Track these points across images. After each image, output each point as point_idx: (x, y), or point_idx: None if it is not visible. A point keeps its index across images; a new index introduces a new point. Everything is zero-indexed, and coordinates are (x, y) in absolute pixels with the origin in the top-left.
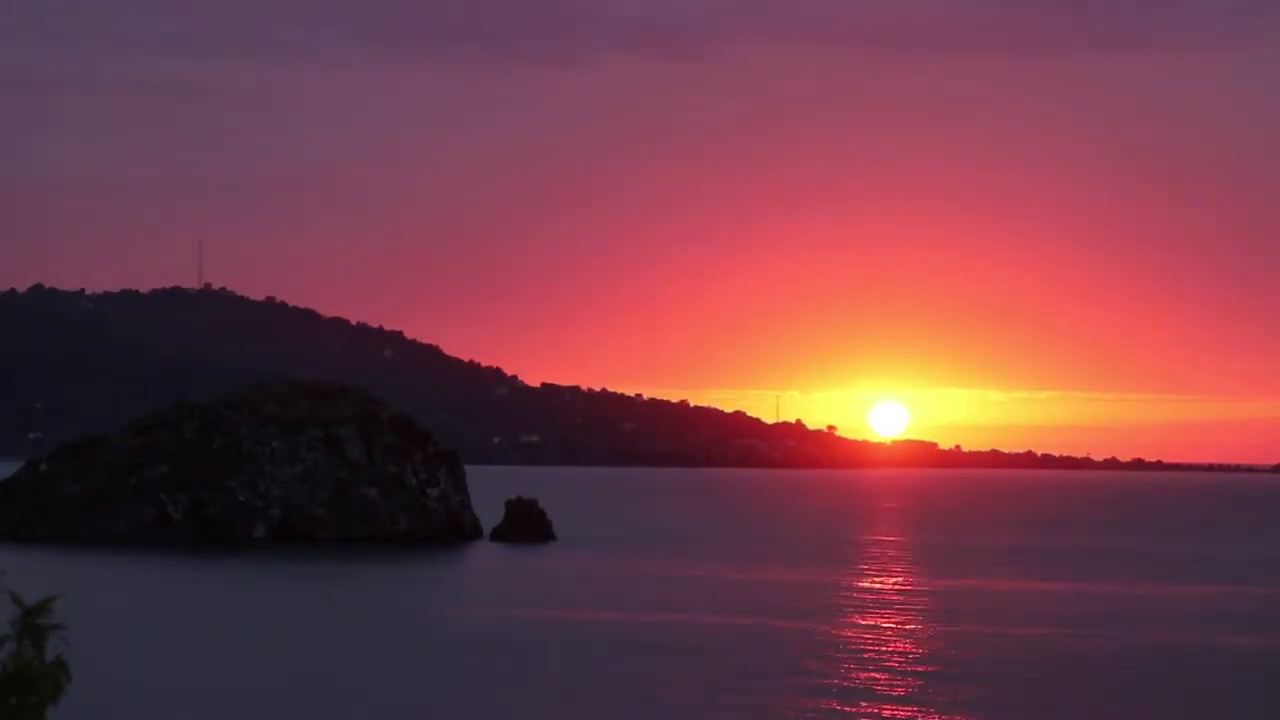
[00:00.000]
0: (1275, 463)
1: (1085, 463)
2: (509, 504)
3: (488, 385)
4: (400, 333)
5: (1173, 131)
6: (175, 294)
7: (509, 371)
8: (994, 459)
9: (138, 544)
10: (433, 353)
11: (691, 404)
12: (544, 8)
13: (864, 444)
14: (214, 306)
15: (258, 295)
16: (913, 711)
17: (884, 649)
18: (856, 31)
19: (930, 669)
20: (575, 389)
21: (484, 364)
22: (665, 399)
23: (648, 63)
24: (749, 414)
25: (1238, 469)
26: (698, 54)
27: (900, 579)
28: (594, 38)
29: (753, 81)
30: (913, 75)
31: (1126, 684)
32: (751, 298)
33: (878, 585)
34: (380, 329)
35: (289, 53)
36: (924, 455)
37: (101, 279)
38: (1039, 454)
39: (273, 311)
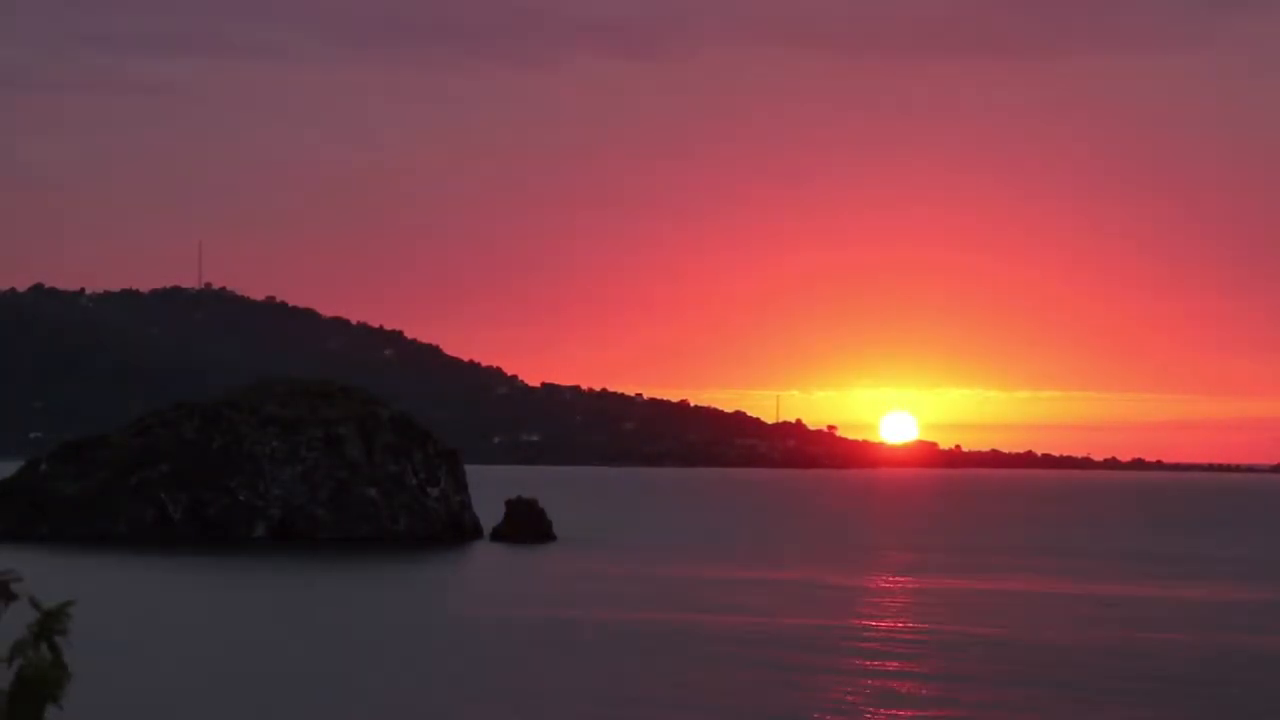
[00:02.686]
0: (1275, 463)
1: (1085, 463)
2: (509, 504)
3: (488, 385)
4: (400, 333)
5: (1172, 131)
6: (175, 294)
7: (509, 371)
8: (994, 459)
9: (138, 544)
10: (433, 353)
11: (691, 404)
12: (513, 8)
13: (864, 444)
14: (214, 306)
15: (258, 295)
16: (910, 712)
17: (886, 649)
18: (839, 33)
19: (925, 667)
20: (575, 389)
21: (484, 364)
22: (665, 399)
23: (629, 63)
24: (749, 414)
25: (1238, 469)
26: (687, 55)
27: (896, 579)
28: (567, 38)
29: (740, 82)
30: (901, 76)
31: (1130, 683)
32: (752, 297)
33: (880, 585)
34: (380, 329)
35: (266, 54)
36: (924, 455)
37: (101, 279)
38: (1039, 454)
39: (273, 311)
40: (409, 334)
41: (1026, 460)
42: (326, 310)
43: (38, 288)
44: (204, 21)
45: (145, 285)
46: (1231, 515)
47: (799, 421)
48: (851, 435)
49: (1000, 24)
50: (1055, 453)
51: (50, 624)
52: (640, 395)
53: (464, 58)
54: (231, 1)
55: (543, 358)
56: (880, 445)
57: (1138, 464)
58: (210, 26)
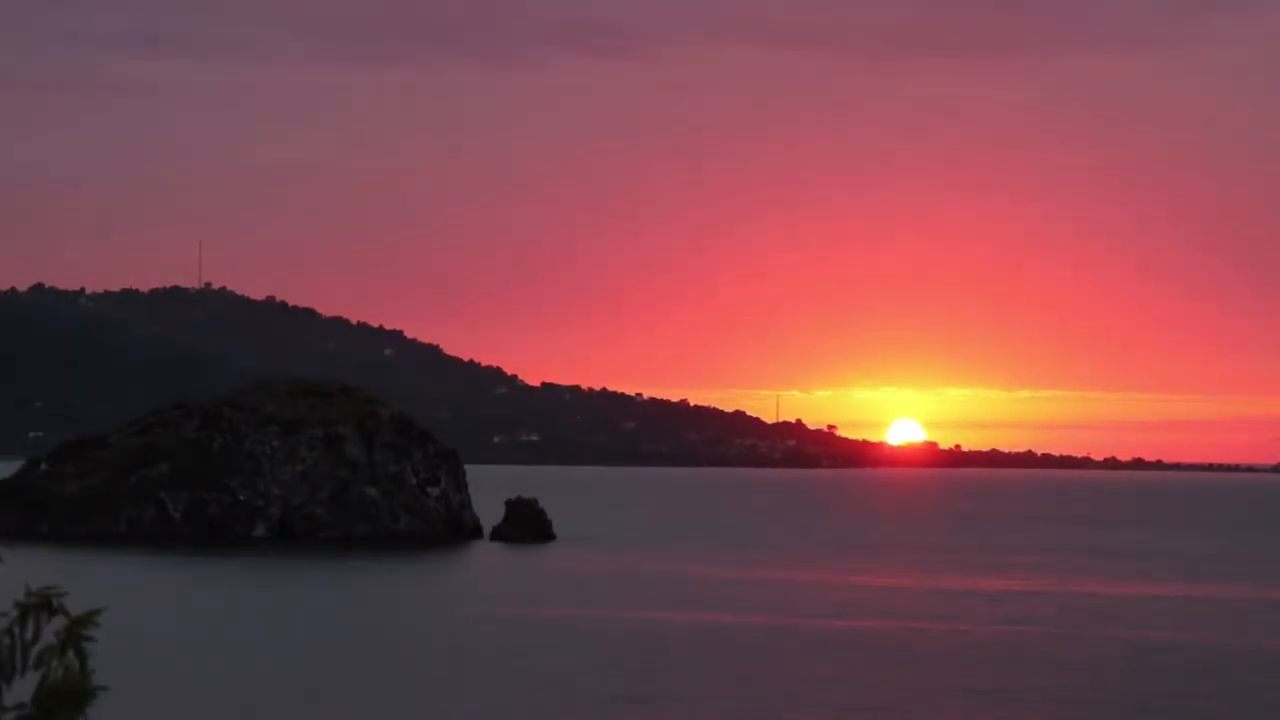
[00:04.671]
0: (1275, 463)
1: (1085, 462)
2: (509, 504)
3: (488, 385)
4: (400, 333)
5: (1172, 131)
6: (175, 294)
7: (509, 371)
8: (994, 458)
9: (138, 544)
10: (433, 353)
11: (691, 404)
12: (492, 7)
13: (864, 444)
14: (214, 306)
15: (258, 295)
16: (904, 712)
17: (884, 649)
18: (816, 33)
19: (916, 667)
20: (575, 389)
21: (484, 364)
22: (665, 399)
23: (616, 63)
24: (749, 414)
25: (1238, 469)
26: (669, 55)
27: (886, 578)
28: (548, 38)
29: (727, 81)
30: (893, 76)
31: (1132, 682)
32: (751, 298)
33: (878, 584)
34: (380, 329)
35: (246, 53)
36: (924, 455)
37: (101, 279)
38: (1039, 453)
39: (273, 311)
40: (409, 334)
41: (1026, 460)
42: (326, 310)
43: (38, 288)
44: (178, 21)
45: (145, 285)
46: (1232, 515)
47: (799, 421)
48: (852, 435)
49: (992, 26)
50: (1055, 453)
51: (77, 631)
52: (640, 395)
53: (446, 57)
54: (208, 1)
55: (543, 358)
56: (880, 445)
57: (1138, 464)
58: (185, 26)
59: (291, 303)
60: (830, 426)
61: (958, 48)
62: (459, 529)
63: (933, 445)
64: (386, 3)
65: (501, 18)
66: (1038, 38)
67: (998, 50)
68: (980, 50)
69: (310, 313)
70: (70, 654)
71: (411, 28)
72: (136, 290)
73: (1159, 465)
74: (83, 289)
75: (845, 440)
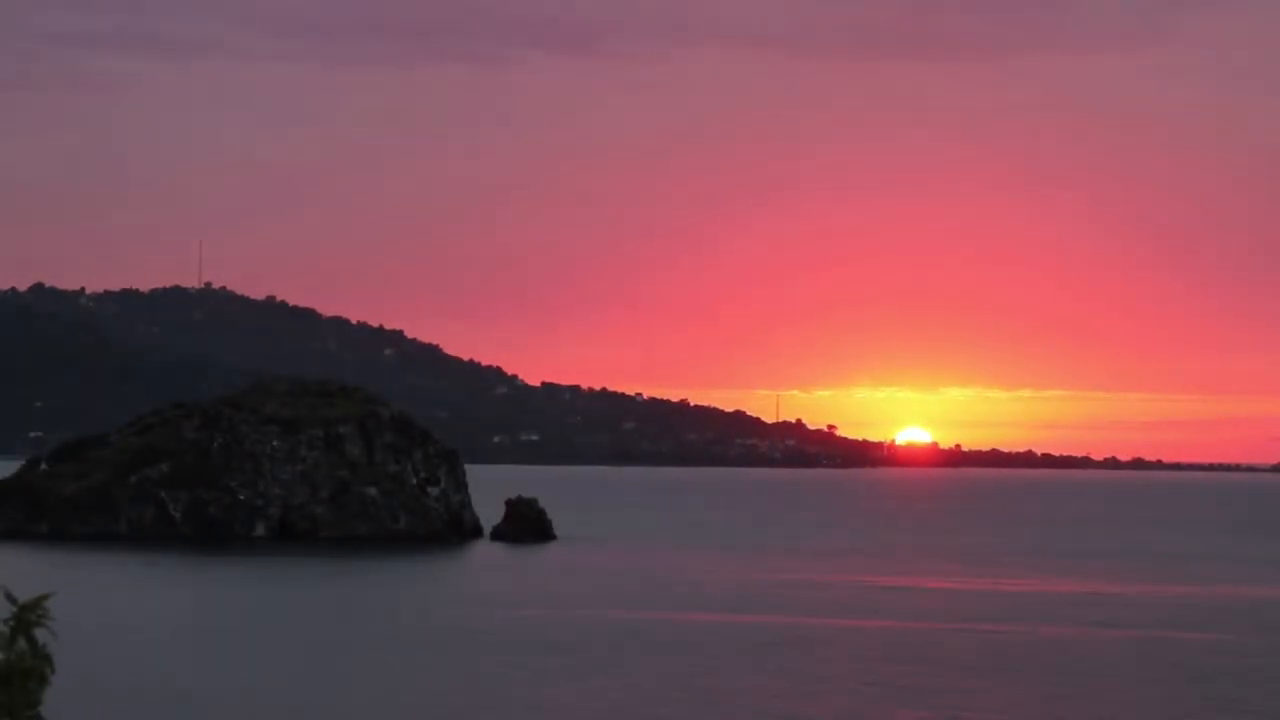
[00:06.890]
0: (1275, 462)
1: (1085, 462)
2: (509, 503)
3: (488, 385)
4: (400, 332)
5: (1170, 130)
6: (175, 294)
7: (509, 371)
8: (994, 458)
9: (138, 543)
10: (433, 353)
11: (691, 404)
12: (468, 6)
13: (864, 443)
14: (214, 306)
15: (258, 295)
16: (908, 710)
17: (880, 646)
18: (795, 34)
19: (924, 667)
20: (575, 389)
21: (484, 364)
22: (665, 399)
23: (621, 64)
24: (749, 414)
25: (1238, 469)
26: (656, 57)
27: (886, 578)
28: (524, 38)
29: (722, 83)
30: (886, 76)
31: (1132, 679)
32: (752, 298)
33: (878, 583)
34: (380, 329)
35: (244, 54)
36: (924, 454)
37: (101, 279)
38: (1039, 453)
39: (273, 311)
40: (409, 334)
41: (1026, 460)
42: (326, 310)
43: (38, 288)
44: (179, 22)
45: (145, 285)
46: (1231, 515)
47: (799, 421)
48: (852, 435)
49: (975, 27)
50: (1055, 452)
51: (26, 617)
52: (640, 395)
53: (445, 59)
54: (206, 2)
55: (543, 358)
56: (881, 445)
57: (1138, 464)
58: (186, 26)
59: (291, 303)
60: (830, 426)
61: (940, 49)
62: (459, 529)
63: (933, 445)
64: (381, 4)
65: (500, 19)
66: (1025, 39)
67: (981, 51)
68: (985, 51)
69: (310, 313)
70: (21, 640)
71: (399, 29)
72: (136, 290)
73: (1159, 465)
74: (83, 289)
75: (845, 440)
